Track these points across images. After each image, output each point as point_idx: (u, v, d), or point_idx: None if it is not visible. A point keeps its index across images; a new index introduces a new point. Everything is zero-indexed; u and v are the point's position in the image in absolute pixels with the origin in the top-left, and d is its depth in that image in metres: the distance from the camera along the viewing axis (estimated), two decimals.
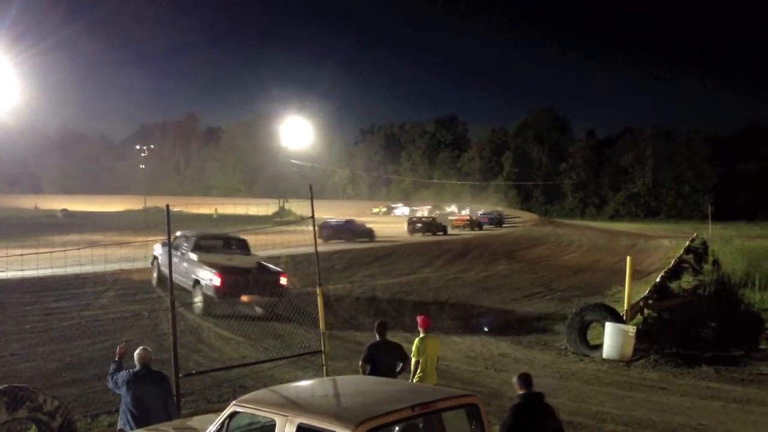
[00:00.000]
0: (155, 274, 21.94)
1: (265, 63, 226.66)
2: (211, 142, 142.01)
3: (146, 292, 21.52)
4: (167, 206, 9.52)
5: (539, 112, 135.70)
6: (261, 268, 20.09)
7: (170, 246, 10.08)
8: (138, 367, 8.40)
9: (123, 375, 8.35)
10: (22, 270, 18.30)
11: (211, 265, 19.03)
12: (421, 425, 6.29)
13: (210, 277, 18.68)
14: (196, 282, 19.26)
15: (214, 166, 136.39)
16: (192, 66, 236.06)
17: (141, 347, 8.61)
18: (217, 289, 18.42)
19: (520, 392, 7.36)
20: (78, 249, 19.84)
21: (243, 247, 21.18)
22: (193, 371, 11.64)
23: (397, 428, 6.04)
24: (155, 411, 8.17)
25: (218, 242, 21.43)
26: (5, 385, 9.53)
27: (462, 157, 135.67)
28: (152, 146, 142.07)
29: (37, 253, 16.70)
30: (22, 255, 14.17)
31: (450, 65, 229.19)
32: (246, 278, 18.56)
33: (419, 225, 56.42)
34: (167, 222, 9.52)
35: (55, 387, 12.32)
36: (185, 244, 20.41)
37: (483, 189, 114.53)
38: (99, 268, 23.77)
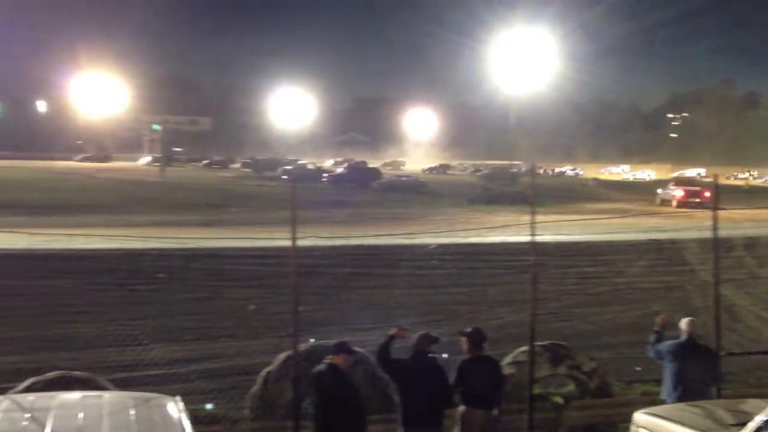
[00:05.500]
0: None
1: None
2: (749, 109, 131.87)
3: (678, 264, 21.07)
4: (715, 176, 10.27)
5: None
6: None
7: (715, 225, 9.54)
8: (684, 338, 8.15)
9: (666, 345, 8.16)
10: (559, 234, 19.59)
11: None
12: None
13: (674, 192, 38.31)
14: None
15: (750, 134, 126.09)
16: (726, 29, 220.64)
17: (688, 318, 8.31)
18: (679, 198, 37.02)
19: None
20: (610, 218, 20.44)
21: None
22: (736, 351, 10.92)
23: None
24: (699, 386, 7.85)
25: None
26: (548, 342, 10.22)
27: None
28: (685, 115, 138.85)
29: (574, 221, 17.67)
30: (567, 221, 15.11)
31: None
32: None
33: None
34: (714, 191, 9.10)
35: (588, 349, 12.78)
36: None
37: None
38: (629, 237, 24.14)
